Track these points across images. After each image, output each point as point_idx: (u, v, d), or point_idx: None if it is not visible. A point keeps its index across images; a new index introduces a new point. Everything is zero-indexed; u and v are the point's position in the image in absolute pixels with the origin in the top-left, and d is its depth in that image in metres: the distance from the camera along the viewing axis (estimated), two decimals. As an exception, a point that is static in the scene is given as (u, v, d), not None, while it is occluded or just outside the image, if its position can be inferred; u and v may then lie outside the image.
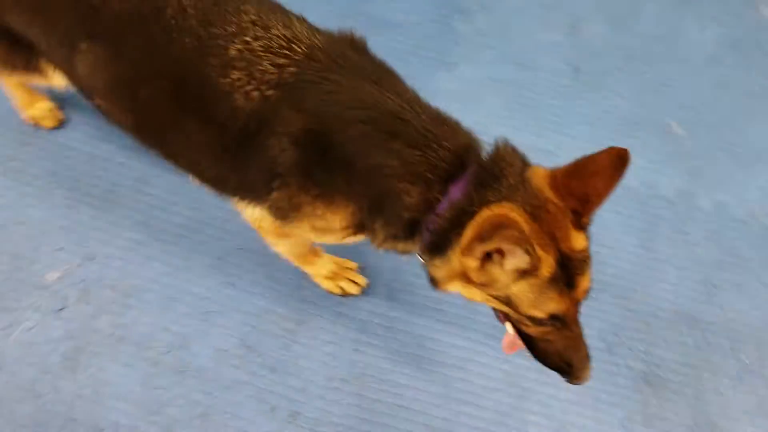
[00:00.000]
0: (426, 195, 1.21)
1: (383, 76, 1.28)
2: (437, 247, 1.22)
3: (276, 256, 1.77)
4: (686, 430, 1.78)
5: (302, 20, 1.34)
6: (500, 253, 1.12)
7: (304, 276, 1.86)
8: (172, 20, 1.28)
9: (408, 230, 1.26)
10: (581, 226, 1.18)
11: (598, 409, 1.78)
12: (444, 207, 1.19)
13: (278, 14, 1.31)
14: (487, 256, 1.14)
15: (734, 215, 2.21)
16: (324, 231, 1.38)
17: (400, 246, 1.33)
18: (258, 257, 1.89)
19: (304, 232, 1.43)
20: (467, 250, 1.11)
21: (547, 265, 1.13)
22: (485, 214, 1.07)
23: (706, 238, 2.13)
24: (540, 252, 1.10)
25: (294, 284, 1.88)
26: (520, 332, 1.30)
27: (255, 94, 1.24)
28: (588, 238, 1.21)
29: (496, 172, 1.18)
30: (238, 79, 1.24)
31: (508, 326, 1.33)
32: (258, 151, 1.27)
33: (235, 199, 1.50)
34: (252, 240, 1.91)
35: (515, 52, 2.53)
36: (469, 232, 1.08)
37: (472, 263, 1.15)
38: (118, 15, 1.32)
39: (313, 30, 1.32)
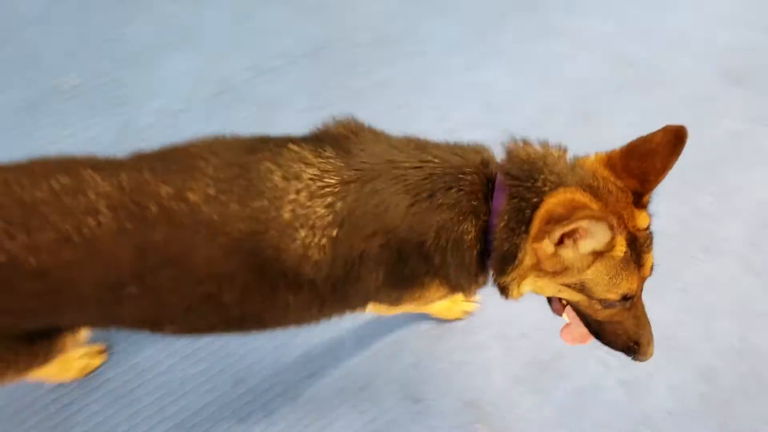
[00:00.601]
0: (477, 222, 1.26)
1: (393, 150, 1.30)
2: (506, 258, 1.25)
3: None
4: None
5: (301, 145, 1.29)
6: (573, 237, 1.15)
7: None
8: (214, 216, 1.21)
9: (481, 263, 1.31)
10: (642, 205, 1.23)
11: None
12: (495, 222, 1.24)
13: (288, 153, 1.27)
14: (560, 242, 1.16)
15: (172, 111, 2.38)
16: (425, 304, 1.53)
17: (481, 280, 1.36)
18: None
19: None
20: (542, 234, 1.14)
21: (620, 244, 1.17)
22: (551, 201, 1.14)
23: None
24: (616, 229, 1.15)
25: None
26: (587, 321, 1.36)
27: (324, 241, 1.25)
28: (649, 216, 1.25)
29: (528, 167, 1.23)
30: (305, 236, 1.23)
31: (566, 316, 1.40)
32: (351, 284, 1.30)
33: None
34: None
35: None
36: (536, 220, 1.14)
37: (547, 249, 1.17)
38: (151, 245, 1.19)
39: (318, 149, 1.29)
